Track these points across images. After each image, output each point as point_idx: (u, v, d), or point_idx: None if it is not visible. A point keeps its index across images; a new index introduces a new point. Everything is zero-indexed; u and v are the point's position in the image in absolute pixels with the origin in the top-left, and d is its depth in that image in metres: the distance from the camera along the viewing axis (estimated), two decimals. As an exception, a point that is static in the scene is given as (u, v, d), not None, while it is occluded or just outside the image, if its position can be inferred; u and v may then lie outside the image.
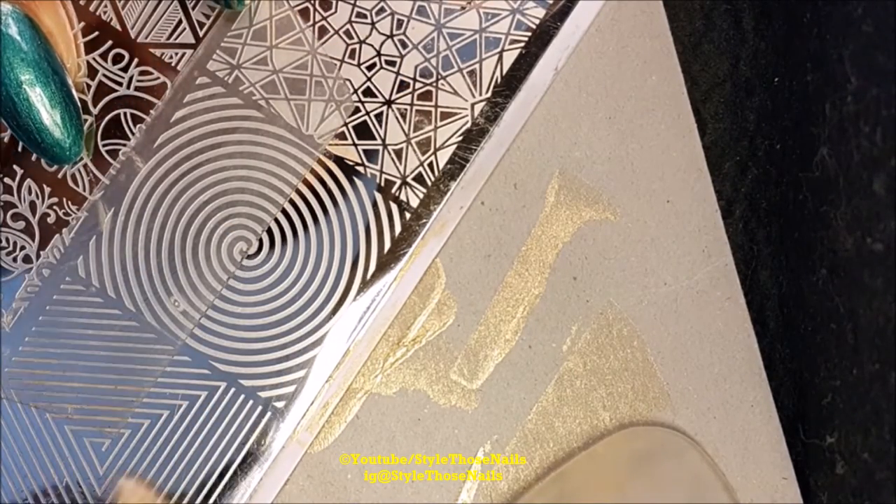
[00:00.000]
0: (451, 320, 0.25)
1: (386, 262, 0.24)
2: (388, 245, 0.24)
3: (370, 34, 0.24)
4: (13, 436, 0.24)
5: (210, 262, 0.24)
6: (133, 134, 0.24)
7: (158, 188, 0.24)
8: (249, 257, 0.24)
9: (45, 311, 0.24)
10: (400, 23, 0.24)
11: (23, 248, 0.24)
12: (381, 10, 0.24)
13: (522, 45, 0.24)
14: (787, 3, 0.28)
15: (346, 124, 0.24)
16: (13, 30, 0.22)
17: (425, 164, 0.24)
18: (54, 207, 0.24)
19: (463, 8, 0.24)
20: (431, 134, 0.24)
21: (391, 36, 0.24)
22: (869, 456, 0.24)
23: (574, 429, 0.25)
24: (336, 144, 0.24)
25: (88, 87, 0.24)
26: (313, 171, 0.24)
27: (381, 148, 0.24)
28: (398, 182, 0.24)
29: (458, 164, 0.24)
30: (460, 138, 0.24)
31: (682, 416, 0.25)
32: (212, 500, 0.23)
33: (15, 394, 0.24)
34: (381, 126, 0.24)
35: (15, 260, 0.24)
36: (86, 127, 0.24)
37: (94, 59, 0.24)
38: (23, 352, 0.24)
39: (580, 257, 0.25)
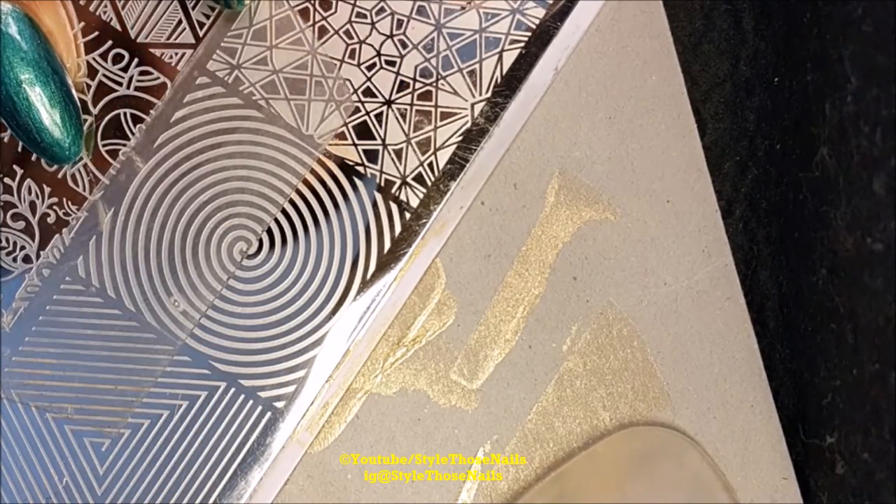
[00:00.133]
0: (451, 320, 0.25)
1: (386, 262, 0.24)
2: (388, 245, 0.24)
3: (370, 34, 0.24)
4: (13, 436, 0.24)
5: (210, 262, 0.24)
6: (133, 134, 0.24)
7: (158, 188, 0.24)
8: (249, 257, 0.24)
9: (45, 311, 0.24)
10: (400, 23, 0.24)
11: (23, 248, 0.24)
12: (381, 10, 0.24)
13: (522, 45, 0.24)
14: (787, 3, 0.28)
15: (346, 124, 0.24)
16: (13, 29, 0.22)
17: (425, 164, 0.24)
18: (54, 207, 0.24)
19: (463, 8, 0.24)
20: (431, 134, 0.24)
21: (391, 36, 0.24)
22: (869, 456, 0.24)
23: (574, 429, 0.25)
24: (336, 144, 0.24)
25: (88, 87, 0.24)
26: (313, 171, 0.24)
27: (381, 148, 0.24)
28: (398, 182, 0.24)
29: (458, 164, 0.24)
30: (460, 138, 0.24)
31: (682, 416, 0.25)
32: (212, 500, 0.23)
33: (15, 394, 0.24)
34: (381, 126, 0.24)
35: (15, 260, 0.24)
36: (86, 127, 0.24)
37: (94, 59, 0.24)
38: (23, 352, 0.24)
39: (580, 257, 0.25)
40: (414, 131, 0.24)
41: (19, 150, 0.24)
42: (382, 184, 0.24)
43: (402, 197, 0.24)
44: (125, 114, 0.24)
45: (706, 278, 0.25)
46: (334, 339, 0.23)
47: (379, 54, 0.24)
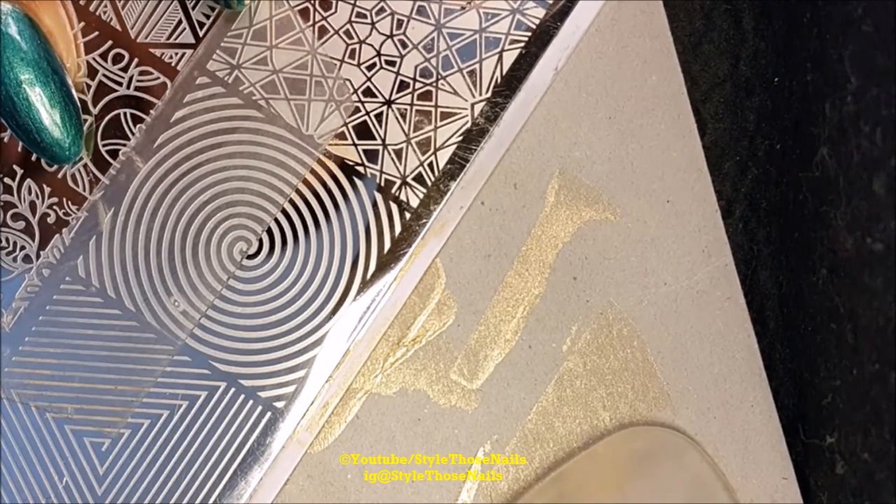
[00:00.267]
0: (451, 320, 0.25)
1: (386, 262, 0.24)
2: (388, 245, 0.24)
3: (370, 34, 0.24)
4: (13, 436, 0.24)
5: (210, 262, 0.24)
6: (133, 134, 0.24)
7: (158, 188, 0.24)
8: (249, 257, 0.24)
9: (45, 311, 0.24)
10: (400, 23, 0.24)
11: (23, 248, 0.24)
12: (381, 10, 0.24)
13: (522, 45, 0.24)
14: (787, 3, 0.28)
15: (346, 124, 0.24)
16: (13, 29, 0.22)
17: (425, 164, 0.24)
18: (54, 207, 0.24)
19: (463, 8, 0.24)
20: (431, 134, 0.24)
21: (391, 36, 0.24)
22: (869, 456, 0.24)
23: (574, 429, 0.25)
24: (336, 144, 0.24)
25: (88, 87, 0.24)
26: (313, 172, 0.24)
27: (381, 148, 0.24)
28: (398, 182, 0.24)
29: (458, 164, 0.24)
30: (460, 138, 0.24)
31: (682, 416, 0.25)
32: (212, 500, 0.23)
33: (15, 394, 0.24)
34: (381, 126, 0.24)
35: (15, 260, 0.24)
36: (86, 127, 0.24)
37: (94, 59, 0.24)
38: (23, 352, 0.24)
39: (580, 257, 0.25)
40: (414, 131, 0.24)
41: (19, 150, 0.24)
42: (382, 184, 0.24)
43: (402, 197, 0.24)
44: (125, 114, 0.24)
45: (706, 278, 0.25)
46: (334, 339, 0.23)
47: (379, 54, 0.24)
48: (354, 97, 0.24)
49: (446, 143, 0.24)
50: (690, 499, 0.24)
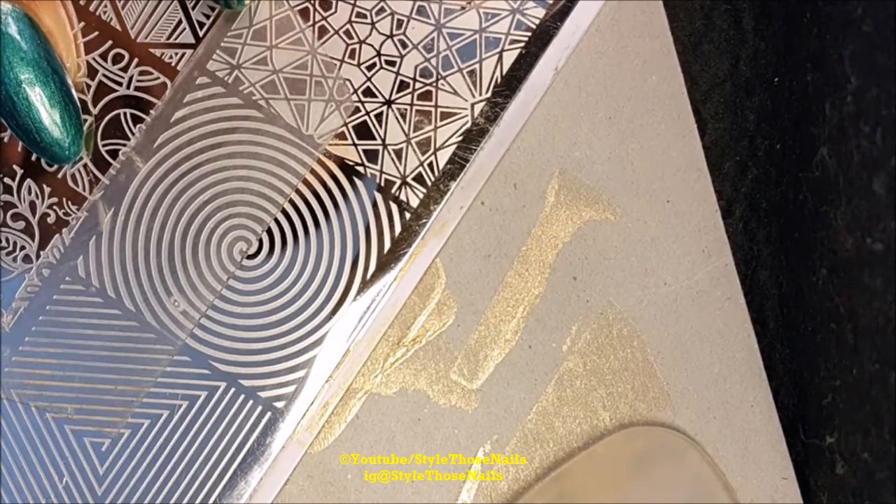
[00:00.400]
0: (451, 320, 0.25)
1: (386, 262, 0.24)
2: (388, 245, 0.24)
3: (370, 34, 0.24)
4: (13, 436, 0.24)
5: (210, 262, 0.24)
6: (133, 134, 0.24)
7: (158, 188, 0.24)
8: (249, 257, 0.24)
9: (45, 311, 0.24)
10: (400, 23, 0.24)
11: (23, 248, 0.24)
12: (381, 10, 0.24)
13: (522, 45, 0.24)
14: (787, 3, 0.28)
15: (346, 124, 0.24)
16: (13, 29, 0.22)
17: (425, 164, 0.24)
18: (54, 207, 0.24)
19: (463, 8, 0.24)
20: (431, 134, 0.24)
21: (391, 36, 0.24)
22: (869, 456, 0.24)
23: (574, 429, 0.25)
24: (336, 144, 0.24)
25: (88, 87, 0.24)
26: (313, 171, 0.24)
27: (381, 148, 0.24)
28: (398, 182, 0.24)
29: (458, 164, 0.24)
30: (460, 138, 0.24)
31: (682, 416, 0.25)
32: (212, 500, 0.23)
33: (15, 394, 0.24)
34: (381, 126, 0.24)
35: (15, 260, 0.24)
36: (86, 127, 0.24)
37: (94, 59, 0.24)
38: (23, 352, 0.24)
39: (580, 257, 0.25)
40: (414, 131, 0.24)
41: (19, 150, 0.24)
42: (382, 184, 0.24)
43: (402, 197, 0.24)
44: (125, 114, 0.24)
45: (706, 278, 0.25)
46: (334, 339, 0.23)
47: (379, 54, 0.24)
48: (354, 97, 0.24)
49: (446, 143, 0.24)
50: (690, 499, 0.24)
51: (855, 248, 0.24)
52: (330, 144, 0.24)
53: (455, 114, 0.24)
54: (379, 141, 0.24)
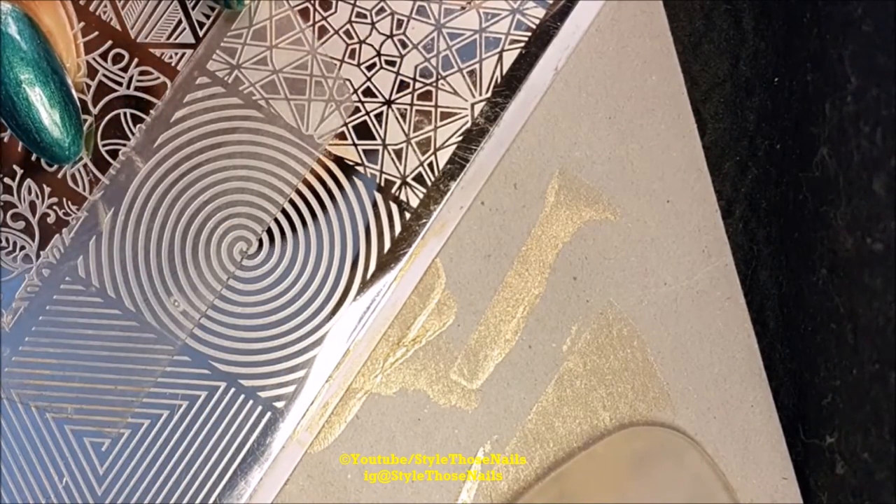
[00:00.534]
0: (451, 320, 0.25)
1: (386, 262, 0.24)
2: (388, 245, 0.24)
3: (370, 34, 0.24)
4: (13, 436, 0.24)
5: (210, 262, 0.24)
6: (133, 134, 0.24)
7: (158, 188, 0.24)
8: (249, 257, 0.24)
9: (45, 311, 0.24)
10: (400, 23, 0.24)
11: (23, 248, 0.24)
12: (381, 10, 0.24)
13: (522, 45, 0.24)
14: (787, 3, 0.28)
15: (346, 124, 0.24)
16: (13, 29, 0.22)
17: (425, 164, 0.24)
18: (54, 207, 0.24)
19: (463, 8, 0.24)
20: (431, 134, 0.24)
21: (391, 36, 0.24)
22: (869, 456, 0.24)
23: (574, 429, 0.25)
24: (336, 144, 0.24)
25: (88, 87, 0.24)
26: (313, 171, 0.24)
27: (381, 148, 0.24)
28: (398, 182, 0.24)
29: (458, 164, 0.24)
30: (460, 138, 0.24)
31: (682, 416, 0.25)
32: (212, 500, 0.23)
33: (15, 394, 0.24)
34: (381, 126, 0.24)
35: (15, 260, 0.24)
36: (86, 127, 0.24)
37: (94, 59, 0.24)
38: (23, 352, 0.24)
39: (580, 257, 0.25)
40: (414, 131, 0.24)
41: (19, 150, 0.24)
42: (382, 184, 0.24)
43: (402, 197, 0.24)
44: (125, 114, 0.24)
45: (706, 278, 0.25)
46: (334, 339, 0.23)
47: (379, 54, 0.24)
48: (354, 97, 0.24)
49: (446, 143, 0.24)
50: (690, 499, 0.24)
51: (855, 248, 0.24)
52: (330, 144, 0.24)
53: (455, 114, 0.24)
54: (379, 141, 0.24)
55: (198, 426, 0.23)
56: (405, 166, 0.24)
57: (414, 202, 0.24)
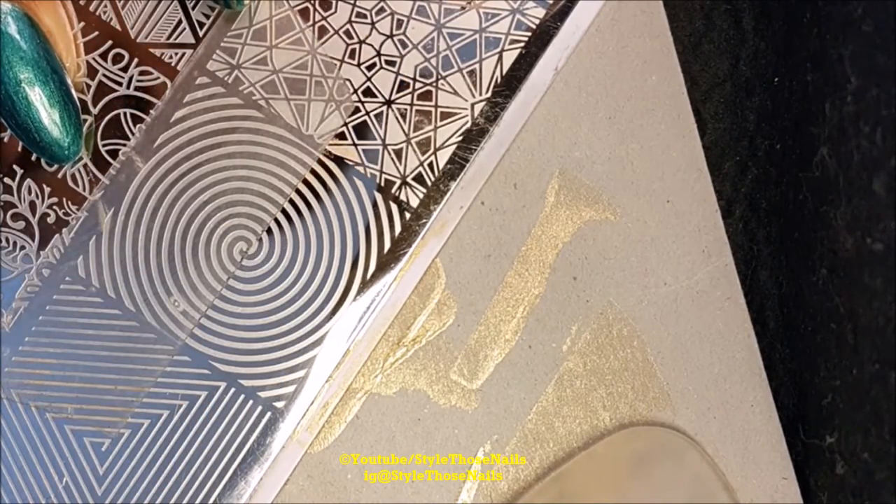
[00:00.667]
0: (451, 320, 0.25)
1: (386, 262, 0.24)
2: (388, 245, 0.24)
3: (370, 34, 0.24)
4: (13, 436, 0.24)
5: (210, 262, 0.24)
6: (133, 134, 0.24)
7: (158, 188, 0.24)
8: (249, 257, 0.24)
9: (45, 311, 0.24)
10: (400, 23, 0.24)
11: (23, 248, 0.24)
12: (381, 10, 0.24)
13: (522, 45, 0.24)
14: (787, 3, 0.28)
15: (346, 124, 0.24)
16: (12, 28, 0.22)
17: (425, 164, 0.24)
18: (54, 207, 0.24)
19: (463, 8, 0.24)
20: (431, 134, 0.24)
21: (391, 36, 0.24)
22: (869, 456, 0.24)
23: (574, 429, 0.25)
24: (336, 144, 0.24)
25: (88, 86, 0.24)
26: (313, 171, 0.24)
27: (381, 148, 0.24)
28: (398, 182, 0.24)
29: (458, 164, 0.24)
30: (460, 138, 0.24)
31: (682, 416, 0.25)
32: (212, 500, 0.23)
33: (15, 394, 0.24)
34: (381, 126, 0.24)
35: (15, 260, 0.24)
36: (85, 127, 0.24)
37: (94, 59, 0.24)
38: (23, 352, 0.24)
39: (580, 257, 0.25)
40: (414, 131, 0.24)
41: (19, 150, 0.24)
42: (382, 184, 0.24)
43: (402, 197, 0.24)
44: (125, 114, 0.24)
45: (706, 278, 0.25)
46: (334, 339, 0.23)
47: (379, 54, 0.24)
48: (354, 97, 0.24)
49: (446, 143, 0.24)
50: (690, 499, 0.24)
51: (855, 248, 0.24)
52: (330, 144, 0.24)
53: (455, 114, 0.24)
54: (379, 141, 0.24)
55: (198, 426, 0.23)
56: (405, 166, 0.24)
57: (414, 202, 0.24)
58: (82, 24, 0.24)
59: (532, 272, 0.25)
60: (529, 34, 0.24)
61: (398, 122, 0.24)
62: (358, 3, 0.24)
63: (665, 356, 0.25)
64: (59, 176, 0.24)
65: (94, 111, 0.24)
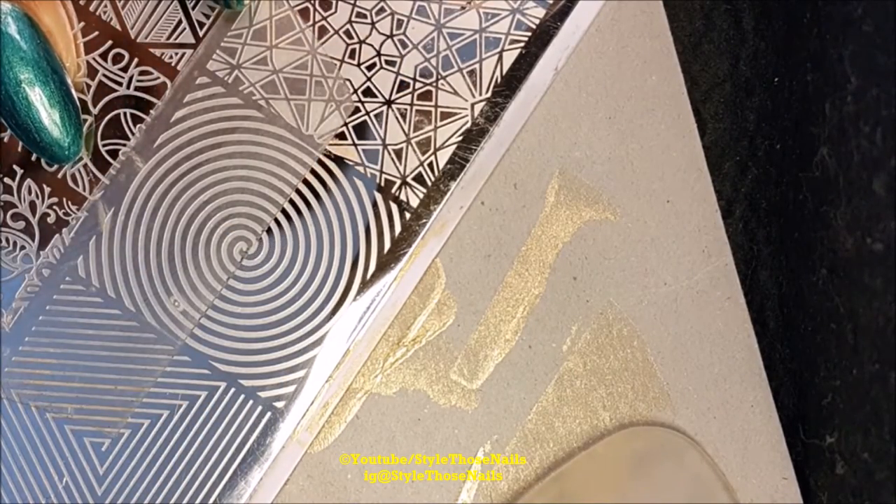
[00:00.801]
0: (451, 320, 0.25)
1: (386, 262, 0.24)
2: (388, 245, 0.24)
3: (370, 34, 0.24)
4: (13, 436, 0.24)
5: (210, 262, 0.24)
6: (133, 134, 0.24)
7: (158, 188, 0.24)
8: (249, 257, 0.24)
9: (45, 311, 0.24)
10: (400, 23, 0.24)
11: (23, 248, 0.24)
12: (381, 10, 0.24)
13: (522, 45, 0.24)
14: (787, 3, 0.28)
15: (346, 124, 0.24)
16: (12, 28, 0.22)
17: (425, 164, 0.24)
18: (54, 207, 0.24)
19: (463, 8, 0.24)
20: (431, 134, 0.24)
21: (391, 36, 0.24)
22: (869, 456, 0.24)
23: (574, 429, 0.25)
24: (336, 144, 0.24)
25: (88, 86, 0.24)
26: (313, 171, 0.24)
27: (381, 148, 0.24)
28: (398, 182, 0.24)
29: (458, 164, 0.24)
30: (460, 138, 0.24)
31: (682, 416, 0.25)
32: (212, 500, 0.23)
33: (15, 394, 0.24)
34: (381, 126, 0.24)
35: (15, 260, 0.24)
36: (85, 127, 0.24)
37: (94, 59, 0.24)
38: (23, 352, 0.24)
39: (580, 257, 0.25)
40: (414, 131, 0.24)
41: (19, 150, 0.24)
42: (382, 184, 0.24)
43: (402, 197, 0.24)
44: (125, 114, 0.24)
45: (706, 278, 0.25)
46: (334, 339, 0.23)
47: (379, 54, 0.24)
48: (354, 97, 0.24)
49: (446, 143, 0.24)
50: (690, 499, 0.24)
51: (855, 248, 0.24)
52: (330, 144, 0.24)
53: (455, 114, 0.24)
54: (379, 141, 0.24)
55: (198, 426, 0.23)
56: (405, 166, 0.24)
57: (414, 202, 0.24)
58: (82, 24, 0.24)
59: (532, 272, 0.25)
60: (529, 34, 0.24)
61: (398, 122, 0.24)
62: (358, 3, 0.24)
63: (665, 356, 0.25)
64: (59, 176, 0.24)
65: (94, 111, 0.24)
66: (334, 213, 0.24)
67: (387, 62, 0.24)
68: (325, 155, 0.24)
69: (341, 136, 0.24)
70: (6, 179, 0.24)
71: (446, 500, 0.25)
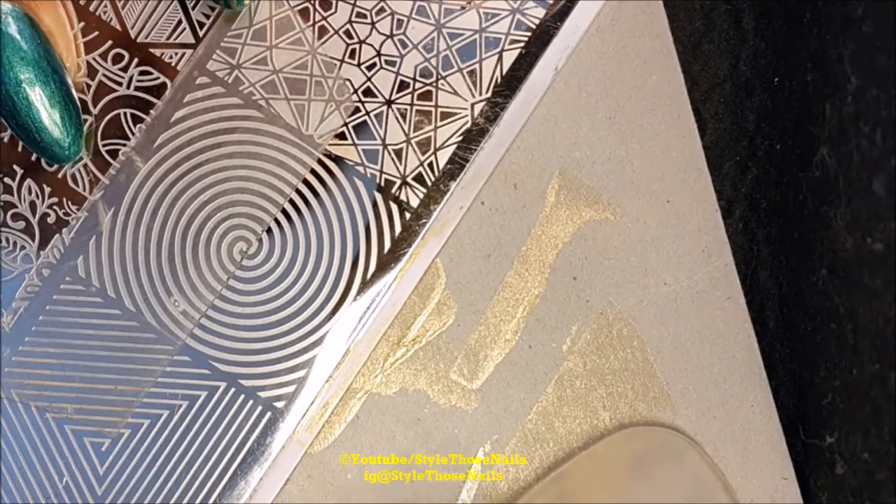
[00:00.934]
0: (451, 320, 0.25)
1: (386, 262, 0.24)
2: (388, 245, 0.24)
3: (370, 34, 0.24)
4: (13, 436, 0.24)
5: (210, 262, 0.24)
6: (133, 134, 0.24)
7: (158, 188, 0.24)
8: (249, 257, 0.24)
9: (45, 311, 0.24)
10: (400, 23, 0.24)
11: (23, 248, 0.24)
12: (381, 10, 0.24)
13: (522, 45, 0.24)
14: (787, 3, 0.28)
15: (346, 124, 0.24)
16: (13, 28, 0.22)
17: (425, 164, 0.24)
18: (54, 207, 0.24)
19: (463, 8, 0.24)
20: (431, 134, 0.24)
21: (391, 36, 0.24)
22: (869, 456, 0.24)
23: (574, 429, 0.25)
24: (336, 144, 0.24)
25: (88, 86, 0.24)
26: (313, 171, 0.24)
27: (381, 148, 0.24)
28: (398, 182, 0.24)
29: (458, 164, 0.24)
30: (460, 138, 0.24)
31: (682, 416, 0.25)
32: (212, 500, 0.23)
33: (15, 394, 0.24)
34: (381, 126, 0.24)
35: (15, 260, 0.24)
36: (86, 127, 0.24)
37: (94, 58, 0.24)
38: (23, 352, 0.24)
39: (580, 257, 0.25)
40: (414, 131, 0.24)
41: (19, 150, 0.24)
42: (382, 184, 0.24)
43: (402, 197, 0.24)
44: (125, 114, 0.24)
45: (706, 278, 0.25)
46: (334, 339, 0.23)
47: (379, 54, 0.24)
48: (354, 97, 0.24)
49: (446, 143, 0.24)
50: (690, 499, 0.24)
51: (855, 248, 0.24)
52: (330, 144, 0.24)
53: (455, 114, 0.24)
54: (379, 141, 0.24)
55: (198, 426, 0.23)
56: (405, 166, 0.24)
57: (414, 202, 0.24)
58: (82, 24, 0.24)
59: (532, 272, 0.25)
60: (529, 34, 0.24)
61: (398, 122, 0.24)
62: (358, 3, 0.24)
63: (665, 356, 0.25)
64: (60, 176, 0.24)
65: (95, 111, 0.24)
66: (334, 213, 0.24)
67: (387, 62, 0.24)
68: (325, 155, 0.24)
69: (341, 136, 0.24)
70: (6, 179, 0.24)
71: (446, 500, 0.25)
